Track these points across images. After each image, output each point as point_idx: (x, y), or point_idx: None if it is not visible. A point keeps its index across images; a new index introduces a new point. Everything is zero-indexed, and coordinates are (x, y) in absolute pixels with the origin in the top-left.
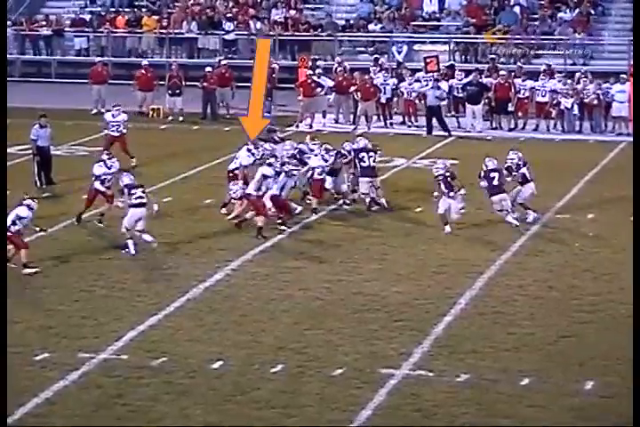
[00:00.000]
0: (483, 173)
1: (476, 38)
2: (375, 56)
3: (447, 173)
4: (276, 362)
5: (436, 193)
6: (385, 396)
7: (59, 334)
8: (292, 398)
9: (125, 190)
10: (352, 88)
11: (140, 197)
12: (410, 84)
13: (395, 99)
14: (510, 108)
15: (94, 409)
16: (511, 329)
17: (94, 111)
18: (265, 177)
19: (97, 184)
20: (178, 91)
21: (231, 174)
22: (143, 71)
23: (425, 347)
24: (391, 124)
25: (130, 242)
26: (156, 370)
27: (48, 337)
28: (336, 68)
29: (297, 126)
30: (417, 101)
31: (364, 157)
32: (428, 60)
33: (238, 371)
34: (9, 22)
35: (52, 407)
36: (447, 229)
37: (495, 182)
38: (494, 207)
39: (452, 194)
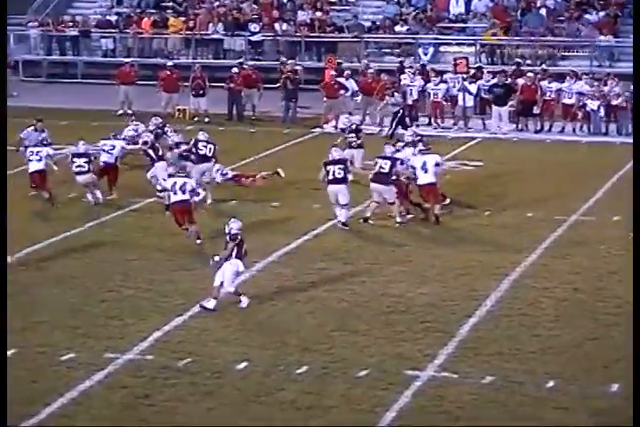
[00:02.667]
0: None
1: (502, 40)
2: (400, 59)
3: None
4: (301, 363)
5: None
6: (410, 397)
7: (85, 335)
8: (317, 399)
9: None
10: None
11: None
12: (436, 85)
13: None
14: (536, 110)
15: (120, 409)
16: (536, 331)
17: (120, 112)
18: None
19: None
20: (201, 92)
21: None
22: (168, 72)
23: (450, 349)
24: (417, 125)
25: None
26: (181, 371)
27: (74, 337)
28: (362, 70)
29: (322, 127)
30: (444, 103)
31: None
32: (457, 62)
33: (263, 372)
34: (36, 23)
35: (78, 408)
36: None
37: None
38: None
39: None
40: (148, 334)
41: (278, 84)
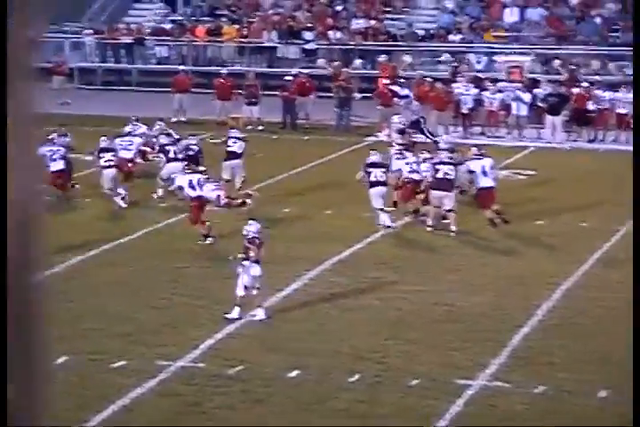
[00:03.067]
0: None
1: (557, 49)
2: (454, 64)
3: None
4: (354, 371)
5: None
6: (461, 406)
7: (137, 342)
8: (370, 407)
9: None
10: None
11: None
12: (492, 94)
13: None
14: (588, 119)
15: (171, 417)
16: (588, 341)
17: (174, 120)
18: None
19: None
20: (254, 100)
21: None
22: (222, 80)
23: (502, 358)
24: (470, 133)
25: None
26: (232, 378)
27: (126, 344)
28: (417, 79)
29: (377, 136)
30: (499, 112)
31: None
32: (511, 70)
33: (316, 380)
34: (91, 31)
35: (130, 415)
36: None
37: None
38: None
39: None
40: (199, 342)
41: (331, 93)
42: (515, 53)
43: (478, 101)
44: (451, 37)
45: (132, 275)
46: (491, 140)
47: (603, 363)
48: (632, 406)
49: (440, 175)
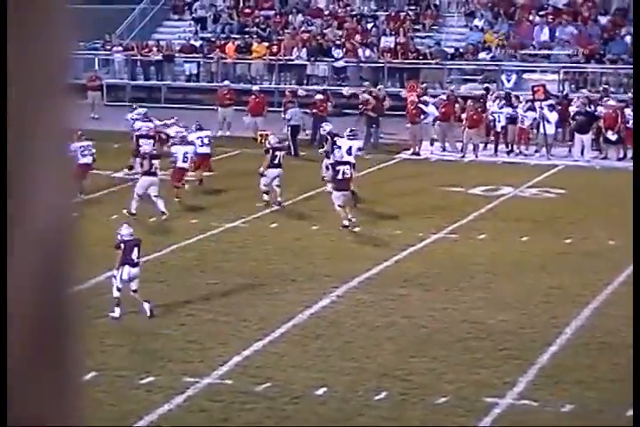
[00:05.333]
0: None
1: (586, 68)
2: (486, 85)
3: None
4: (380, 389)
5: None
6: (489, 425)
7: (164, 358)
8: (396, 425)
9: None
10: (463, 116)
11: None
12: (525, 112)
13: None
14: (612, 136)
15: None
16: (616, 360)
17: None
18: None
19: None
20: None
21: None
22: (254, 97)
23: (530, 376)
24: (500, 152)
25: None
26: (259, 395)
27: (153, 361)
28: (447, 96)
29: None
30: (530, 130)
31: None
32: (535, 89)
33: (342, 397)
34: (120, 47)
35: None
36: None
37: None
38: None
39: None
40: (227, 359)
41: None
42: (544, 72)
43: (510, 119)
44: (480, 55)
45: (160, 291)
46: (519, 159)
47: (631, 382)
48: (632, 405)
49: (340, 176)
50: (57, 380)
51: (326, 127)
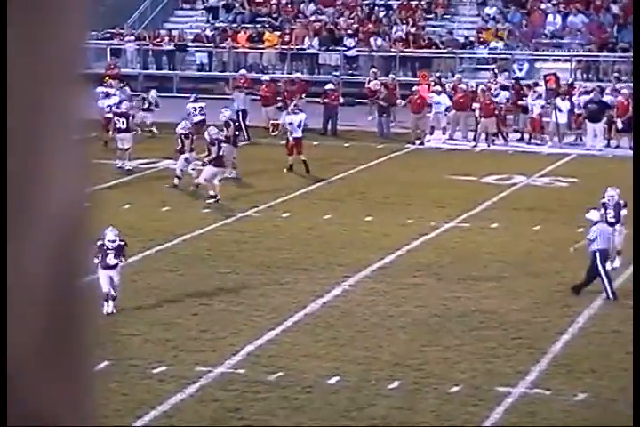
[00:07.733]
0: None
1: (598, 56)
2: (494, 71)
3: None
4: (393, 378)
5: None
6: (501, 414)
7: (177, 348)
8: (409, 414)
9: None
10: (474, 105)
11: None
12: (533, 100)
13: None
14: (620, 124)
15: (210, 423)
16: (629, 349)
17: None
18: None
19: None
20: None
21: None
22: (264, 87)
23: (542, 365)
24: (508, 140)
25: None
26: (272, 385)
27: (166, 350)
28: (455, 86)
29: (414, 143)
30: (540, 118)
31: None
32: (547, 78)
33: (354, 387)
34: (132, 37)
35: (170, 420)
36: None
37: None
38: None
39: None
40: (239, 348)
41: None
42: (556, 61)
43: (521, 108)
44: (492, 44)
45: (173, 280)
46: (531, 148)
47: None
48: (632, 406)
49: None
50: (69, 367)
51: (226, 113)
